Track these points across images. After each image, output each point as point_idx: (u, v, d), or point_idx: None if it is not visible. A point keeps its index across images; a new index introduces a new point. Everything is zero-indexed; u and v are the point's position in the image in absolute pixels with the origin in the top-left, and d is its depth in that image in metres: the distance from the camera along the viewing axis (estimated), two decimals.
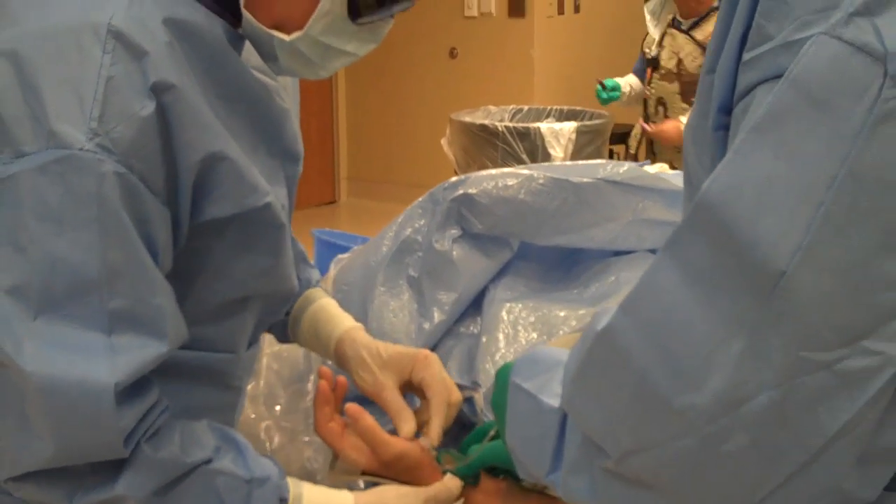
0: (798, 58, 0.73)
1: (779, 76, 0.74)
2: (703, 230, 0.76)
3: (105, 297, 0.98)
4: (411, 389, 1.35)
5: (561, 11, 6.13)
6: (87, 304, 0.97)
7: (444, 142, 4.02)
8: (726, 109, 0.82)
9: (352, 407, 1.27)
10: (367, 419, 1.27)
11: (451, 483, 1.26)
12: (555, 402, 0.95)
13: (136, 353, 1.00)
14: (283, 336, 1.43)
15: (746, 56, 0.78)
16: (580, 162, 1.58)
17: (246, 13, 1.10)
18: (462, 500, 1.28)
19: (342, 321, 1.39)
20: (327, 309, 1.40)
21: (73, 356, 0.97)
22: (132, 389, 1.00)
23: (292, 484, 1.13)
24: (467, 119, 3.85)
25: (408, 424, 1.30)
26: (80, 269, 0.97)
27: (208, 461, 1.07)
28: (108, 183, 0.97)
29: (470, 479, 1.28)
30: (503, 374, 1.13)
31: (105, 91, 0.97)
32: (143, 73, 0.99)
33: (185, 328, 1.07)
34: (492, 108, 4.24)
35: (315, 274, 1.46)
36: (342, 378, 1.32)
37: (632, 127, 5.27)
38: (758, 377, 0.74)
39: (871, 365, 0.73)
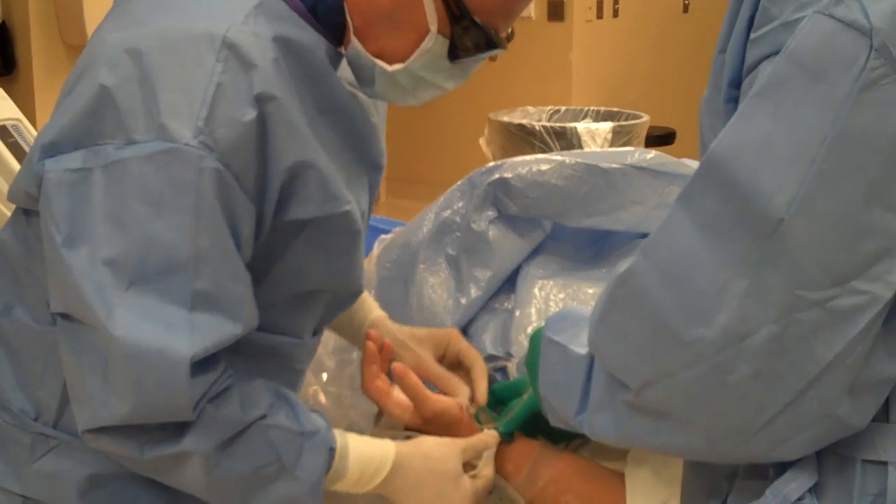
0: (795, 33, 0.83)
1: (780, 52, 0.84)
2: (711, 183, 0.87)
3: (191, 278, 1.08)
4: (445, 364, 1.47)
5: (600, 16, 6.19)
6: (174, 281, 1.07)
7: (482, 141, 4.09)
8: (736, 84, 0.92)
9: (398, 366, 1.39)
10: (412, 377, 1.38)
11: (487, 436, 1.37)
12: (582, 350, 1.05)
13: (213, 332, 1.09)
14: None
15: (753, 35, 0.88)
16: (609, 149, 1.68)
17: (355, 40, 1.20)
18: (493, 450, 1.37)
19: (374, 308, 1.51)
20: (362, 298, 1.50)
21: (157, 327, 1.06)
22: (204, 363, 1.09)
23: (338, 435, 1.23)
24: (506, 119, 3.92)
25: (459, 386, 1.42)
26: (172, 249, 1.07)
27: (264, 416, 1.16)
28: (206, 177, 1.07)
29: (506, 436, 1.39)
30: (536, 337, 1.23)
31: (214, 95, 1.07)
32: (249, 83, 1.09)
33: (257, 314, 1.16)
34: (530, 108, 4.30)
35: None
36: (388, 340, 1.43)
37: (668, 129, 5.32)
38: (759, 313, 0.84)
39: (859, 303, 0.83)
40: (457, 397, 1.43)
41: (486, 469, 1.36)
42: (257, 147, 1.11)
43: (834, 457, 0.91)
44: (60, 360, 1.16)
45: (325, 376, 1.63)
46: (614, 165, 1.54)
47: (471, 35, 1.18)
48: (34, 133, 2.43)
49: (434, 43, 1.18)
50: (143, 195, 1.07)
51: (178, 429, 1.12)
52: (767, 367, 0.86)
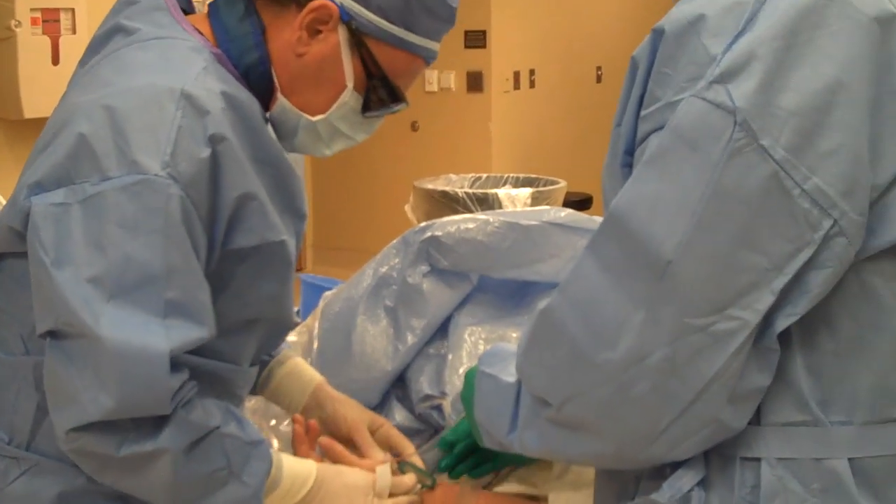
0: (676, 112, 1.02)
1: (664, 126, 1.04)
2: (612, 233, 1.06)
3: (163, 288, 1.24)
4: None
5: (517, 86, 6.42)
6: (149, 292, 1.23)
7: (407, 208, 4.21)
8: (630, 152, 1.12)
9: (324, 440, 1.55)
10: (337, 447, 1.55)
11: (406, 478, 1.52)
12: (511, 378, 1.22)
13: (184, 333, 1.25)
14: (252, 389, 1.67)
15: (643, 113, 1.08)
16: (528, 208, 1.86)
17: (282, 97, 1.40)
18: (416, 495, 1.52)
19: (314, 374, 1.67)
20: (305, 365, 1.68)
21: (138, 330, 1.22)
22: (176, 364, 1.25)
23: (272, 451, 1.39)
24: (430, 186, 4.03)
25: (378, 452, 1.58)
26: (146, 265, 1.23)
27: (219, 426, 1.31)
28: (173, 202, 1.24)
29: (428, 483, 1.54)
30: (470, 374, 1.40)
31: (176, 136, 1.25)
32: (204, 126, 1.27)
33: (215, 323, 1.31)
34: (452, 176, 4.39)
35: (287, 344, 1.74)
36: (313, 422, 1.60)
37: (585, 195, 5.51)
38: (654, 338, 1.02)
39: (733, 327, 1.01)
40: (377, 458, 1.57)
41: (402, 499, 1.50)
42: (209, 179, 1.28)
43: (718, 456, 1.08)
44: (32, 386, 1.32)
45: (273, 422, 1.78)
46: (533, 222, 1.73)
47: (381, 91, 1.40)
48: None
49: (350, 97, 1.39)
50: (119, 220, 1.23)
51: (155, 427, 1.26)
52: (662, 383, 1.03)
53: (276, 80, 1.40)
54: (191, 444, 1.28)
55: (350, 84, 1.39)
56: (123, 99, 1.28)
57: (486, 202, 3.87)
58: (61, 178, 1.26)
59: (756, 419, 1.07)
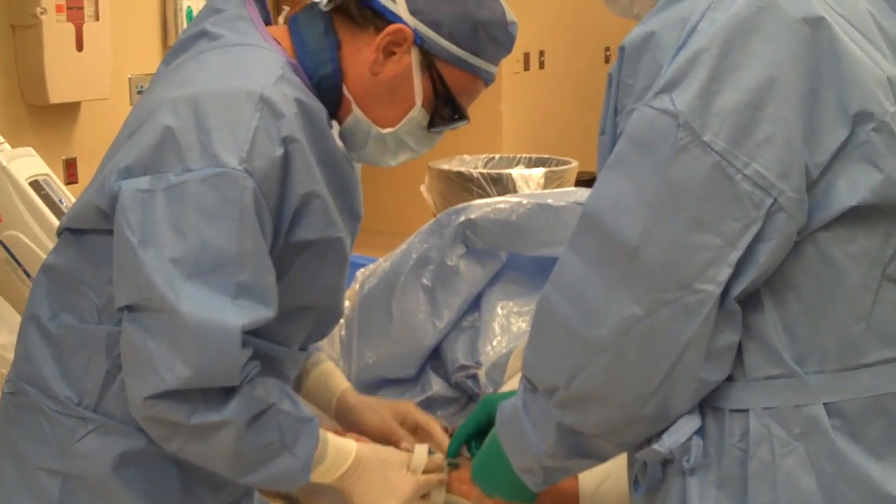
0: (630, 120, 1.18)
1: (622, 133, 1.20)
2: (587, 228, 1.22)
3: (236, 272, 1.36)
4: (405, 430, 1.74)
5: (527, 68, 6.48)
6: (224, 275, 1.35)
7: (423, 188, 4.29)
8: None
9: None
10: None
11: (437, 457, 1.64)
12: (511, 409, 1.35)
13: (253, 313, 1.36)
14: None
15: (617, 120, 1.23)
16: (557, 189, 1.97)
17: (358, 110, 1.52)
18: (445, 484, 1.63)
19: (344, 381, 1.79)
20: (334, 371, 1.79)
21: (213, 307, 1.34)
22: (244, 342, 1.36)
23: (321, 430, 1.50)
24: (444, 167, 4.11)
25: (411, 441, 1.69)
26: (222, 250, 1.35)
27: (275, 403, 1.43)
28: (248, 194, 1.36)
29: (455, 463, 1.65)
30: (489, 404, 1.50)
31: (253, 135, 1.37)
32: (279, 128, 1.39)
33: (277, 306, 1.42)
34: (466, 156, 4.43)
35: (320, 346, 1.85)
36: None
37: (595, 175, 5.57)
38: (634, 313, 1.17)
39: (699, 299, 1.15)
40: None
41: (434, 475, 1.62)
42: (280, 176, 1.39)
43: (711, 409, 1.22)
44: (103, 354, 1.44)
45: None
46: (562, 203, 1.84)
47: (446, 109, 1.53)
48: (62, 185, 2.68)
49: (418, 113, 1.52)
50: (199, 208, 1.35)
51: (222, 400, 1.37)
52: (648, 349, 1.17)
53: (346, 93, 1.52)
54: (252, 418, 1.40)
55: (419, 101, 1.51)
56: (207, 98, 1.39)
57: (500, 182, 3.94)
58: (148, 166, 1.38)
59: (742, 376, 1.20)
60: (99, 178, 1.45)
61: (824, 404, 1.17)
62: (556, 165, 4.18)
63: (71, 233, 1.51)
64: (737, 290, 1.15)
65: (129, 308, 1.38)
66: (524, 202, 1.84)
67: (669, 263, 1.14)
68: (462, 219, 1.86)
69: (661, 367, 1.17)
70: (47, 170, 2.72)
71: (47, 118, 3.93)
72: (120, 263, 1.39)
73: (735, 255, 1.13)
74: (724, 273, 1.13)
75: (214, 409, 1.37)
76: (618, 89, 1.23)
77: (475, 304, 1.88)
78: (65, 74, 3.85)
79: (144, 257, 1.34)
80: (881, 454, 1.17)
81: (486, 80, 1.55)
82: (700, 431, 1.21)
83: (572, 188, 1.96)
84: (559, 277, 1.24)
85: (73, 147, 3.99)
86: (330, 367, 1.80)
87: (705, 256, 1.14)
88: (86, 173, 3.87)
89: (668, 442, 1.21)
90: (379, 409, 1.75)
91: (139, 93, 4.05)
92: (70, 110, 3.97)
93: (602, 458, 1.32)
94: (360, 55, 1.50)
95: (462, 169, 4.08)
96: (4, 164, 2.68)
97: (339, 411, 1.76)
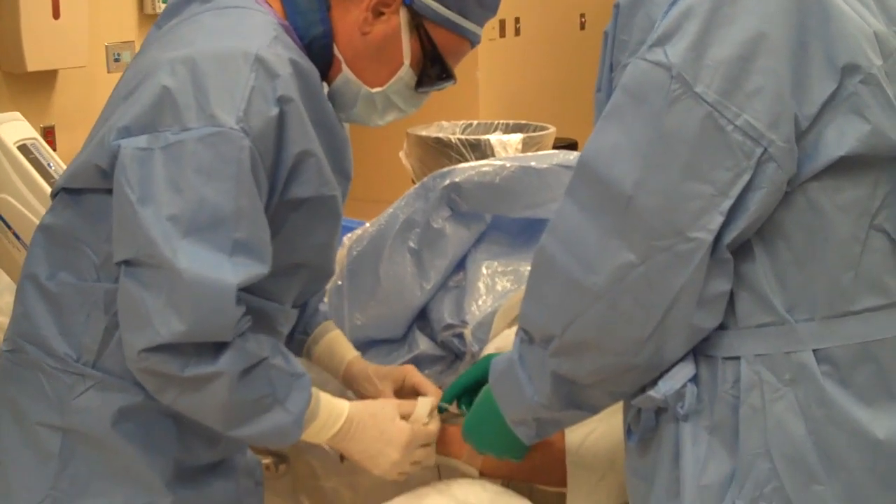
0: (625, 73, 1.22)
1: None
2: (583, 178, 1.26)
3: (233, 230, 1.39)
4: (403, 395, 1.77)
5: (503, 34, 6.49)
6: (220, 232, 1.38)
7: (402, 154, 4.30)
8: None
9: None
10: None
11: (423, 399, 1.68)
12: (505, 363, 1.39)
13: (249, 269, 1.40)
14: (299, 353, 1.83)
15: (613, 76, 1.27)
16: (540, 152, 2.01)
17: (347, 69, 1.55)
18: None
19: (350, 350, 1.83)
20: (340, 339, 1.83)
21: (209, 264, 1.37)
22: (238, 298, 1.39)
23: (313, 388, 1.53)
24: (423, 133, 4.13)
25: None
26: (219, 208, 1.38)
27: (267, 357, 1.47)
28: (244, 153, 1.39)
29: (443, 409, 1.68)
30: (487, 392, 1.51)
31: (250, 95, 1.40)
32: (274, 88, 1.42)
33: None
34: (444, 123, 4.43)
35: (326, 313, 1.89)
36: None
37: (571, 140, 5.60)
38: (629, 261, 1.20)
39: (692, 247, 1.19)
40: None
41: (431, 424, 1.65)
42: (276, 135, 1.43)
43: (704, 357, 1.26)
44: (101, 310, 1.47)
45: None
46: (544, 165, 1.88)
47: (434, 69, 1.56)
48: (49, 149, 2.69)
49: (406, 73, 1.55)
50: (196, 167, 1.38)
51: (215, 353, 1.41)
52: (642, 296, 1.21)
53: (337, 54, 1.54)
54: (244, 371, 1.43)
55: (407, 61, 1.55)
56: (204, 58, 1.42)
57: (479, 148, 3.95)
58: (146, 125, 1.41)
59: (734, 324, 1.24)
60: (97, 137, 1.48)
61: (814, 351, 1.21)
62: (534, 131, 4.19)
63: (68, 193, 1.53)
64: (728, 238, 1.19)
65: (127, 263, 1.40)
66: (508, 165, 1.88)
67: (663, 212, 1.18)
68: (447, 182, 1.89)
69: (655, 314, 1.21)
70: (35, 134, 2.73)
71: (25, 86, 3.92)
72: (119, 219, 1.41)
73: (727, 204, 1.17)
74: (716, 221, 1.17)
75: (207, 362, 1.40)
76: (613, 46, 1.26)
77: (460, 264, 1.92)
78: (42, 42, 3.82)
79: (143, 214, 1.36)
80: (869, 399, 1.21)
81: (473, 41, 1.58)
82: (694, 379, 1.25)
83: (555, 151, 1.99)
84: (557, 227, 1.27)
85: (51, 115, 3.98)
86: (337, 335, 1.83)
87: (698, 205, 1.17)
88: (64, 141, 3.86)
89: (664, 388, 1.25)
90: (378, 379, 1.78)
91: (116, 60, 4.03)
92: (47, 78, 3.95)
93: (594, 410, 1.36)
94: (349, 15, 1.53)
95: (440, 135, 4.08)
96: None
97: (345, 380, 1.80)
